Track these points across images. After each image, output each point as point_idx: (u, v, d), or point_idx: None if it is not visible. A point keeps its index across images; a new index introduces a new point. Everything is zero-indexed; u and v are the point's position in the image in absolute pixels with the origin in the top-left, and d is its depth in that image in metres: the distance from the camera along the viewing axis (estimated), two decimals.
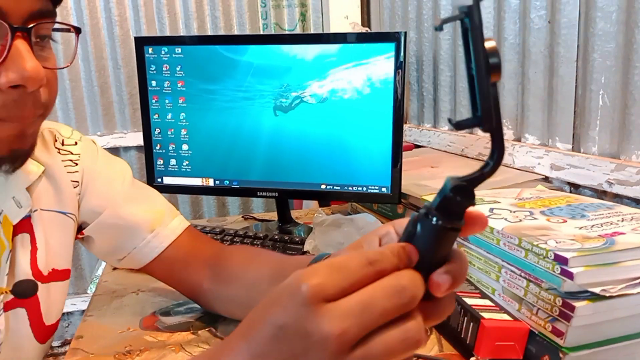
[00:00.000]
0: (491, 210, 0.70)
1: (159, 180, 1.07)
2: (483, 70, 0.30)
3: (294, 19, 2.01)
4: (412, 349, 0.31)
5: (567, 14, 0.95)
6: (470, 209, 0.33)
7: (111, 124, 1.95)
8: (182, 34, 1.91)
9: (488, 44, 0.30)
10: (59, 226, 0.65)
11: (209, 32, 1.93)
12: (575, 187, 0.96)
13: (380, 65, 0.93)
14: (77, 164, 0.68)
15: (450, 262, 0.34)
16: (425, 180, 1.02)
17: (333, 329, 0.29)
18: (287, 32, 1.99)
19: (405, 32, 0.91)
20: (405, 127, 1.54)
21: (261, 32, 1.97)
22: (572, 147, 0.97)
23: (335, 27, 1.85)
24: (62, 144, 0.68)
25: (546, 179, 1.00)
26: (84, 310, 1.04)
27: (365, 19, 1.84)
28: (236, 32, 1.95)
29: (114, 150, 1.95)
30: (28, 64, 0.47)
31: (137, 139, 1.92)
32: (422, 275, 0.33)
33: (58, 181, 0.65)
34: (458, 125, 0.31)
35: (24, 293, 0.61)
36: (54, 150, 0.67)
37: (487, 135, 0.31)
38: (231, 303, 0.67)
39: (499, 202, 0.73)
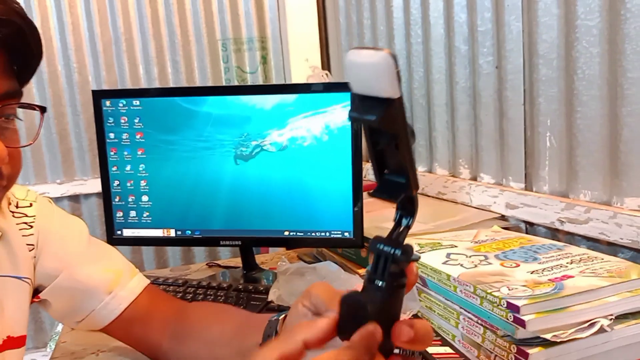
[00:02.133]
0: (448, 255, 0.71)
1: (119, 232, 1.05)
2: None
3: (255, 62, 2.04)
4: None
5: (513, 60, 1.00)
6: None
7: (71, 171, 1.92)
8: (142, 80, 1.91)
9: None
10: (14, 291, 0.64)
11: (170, 77, 1.94)
12: (530, 225, 0.99)
13: (337, 113, 0.95)
14: (32, 227, 0.67)
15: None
16: (386, 223, 1.03)
17: None
18: (248, 74, 2.02)
19: None
20: (367, 166, 1.56)
21: (222, 75, 1.99)
22: (525, 186, 1.01)
23: (295, 70, 1.89)
24: (17, 207, 0.67)
25: (503, 218, 1.03)
26: None
27: (325, 62, 1.89)
28: (197, 76, 1.96)
29: (74, 198, 1.91)
30: None
31: (98, 185, 1.86)
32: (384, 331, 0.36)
33: (13, 245, 0.64)
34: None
35: None
36: (8, 214, 0.65)
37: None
38: None
39: (455, 247, 0.75)
